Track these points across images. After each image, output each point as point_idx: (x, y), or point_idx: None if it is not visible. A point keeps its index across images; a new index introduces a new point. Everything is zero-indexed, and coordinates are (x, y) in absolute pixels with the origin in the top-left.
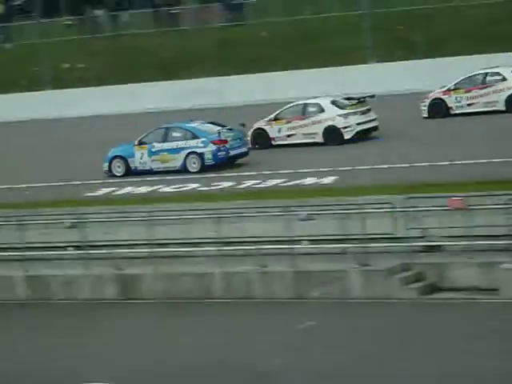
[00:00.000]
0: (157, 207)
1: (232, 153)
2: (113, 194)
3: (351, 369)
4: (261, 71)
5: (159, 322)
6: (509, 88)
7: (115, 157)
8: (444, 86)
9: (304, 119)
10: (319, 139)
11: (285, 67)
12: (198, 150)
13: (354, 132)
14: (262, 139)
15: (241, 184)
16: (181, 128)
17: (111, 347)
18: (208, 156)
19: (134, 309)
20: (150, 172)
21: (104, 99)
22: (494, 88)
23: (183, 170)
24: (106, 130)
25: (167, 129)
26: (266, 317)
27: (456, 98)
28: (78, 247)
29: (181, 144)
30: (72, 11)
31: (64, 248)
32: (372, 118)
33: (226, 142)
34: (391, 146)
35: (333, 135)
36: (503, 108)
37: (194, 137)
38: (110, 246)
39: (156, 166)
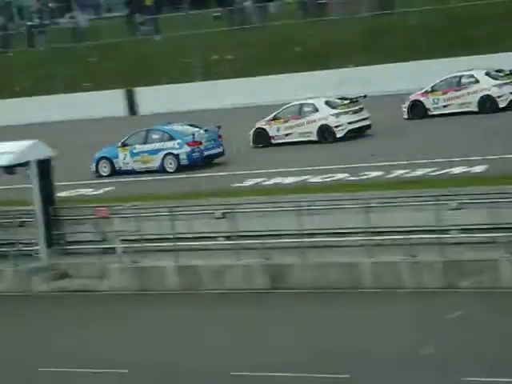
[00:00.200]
0: (305, 197)
1: (206, 153)
2: (261, 184)
3: (503, 356)
4: (409, 60)
5: (308, 312)
6: (481, 90)
7: (101, 158)
8: (423, 88)
9: (300, 119)
10: (314, 137)
11: (433, 55)
12: (174, 151)
13: (345, 130)
14: (262, 138)
15: (389, 173)
16: (159, 130)
17: (261, 336)
18: (183, 157)
19: (283, 299)
20: (133, 172)
21: (252, 90)
22: (467, 90)
23: (161, 170)
24: (253, 120)
25: (147, 131)
26: (416, 307)
27: (433, 100)
28: (228, 237)
29: (159, 145)
30: (220, 2)
31: (214, 238)
32: (364, 116)
33: (200, 143)
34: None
35: (326, 133)
36: (476, 109)
37: (171, 139)
38: (260, 236)
39: (137, 166)
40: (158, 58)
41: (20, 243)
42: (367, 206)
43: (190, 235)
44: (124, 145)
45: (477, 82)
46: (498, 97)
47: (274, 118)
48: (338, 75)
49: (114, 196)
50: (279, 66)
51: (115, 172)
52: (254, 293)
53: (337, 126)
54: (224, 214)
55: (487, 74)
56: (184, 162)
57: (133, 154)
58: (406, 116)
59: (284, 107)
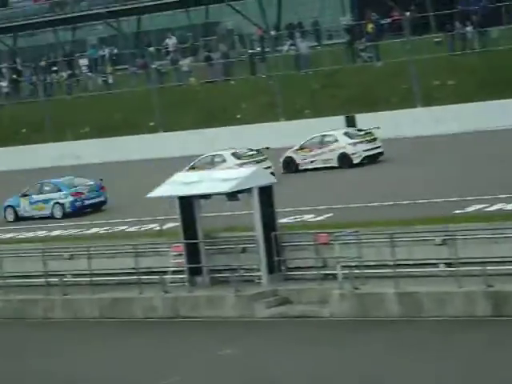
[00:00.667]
0: None
1: (87, 202)
2: (483, 210)
3: None
4: None
5: None
6: (340, 148)
7: (8, 206)
8: (294, 146)
9: (211, 169)
10: None
11: None
12: (61, 201)
13: None
14: None
15: None
16: (50, 183)
17: (478, 367)
18: (67, 205)
19: (505, 327)
20: (33, 218)
21: (475, 116)
22: (329, 148)
23: (51, 216)
24: (480, 145)
25: (41, 184)
26: None
27: (302, 156)
28: (449, 264)
29: (49, 196)
30: (441, 28)
31: (435, 265)
32: (267, 165)
33: (82, 194)
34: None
35: None
36: (336, 164)
37: (59, 190)
38: (482, 262)
39: (35, 213)
40: (377, 84)
41: (241, 269)
42: None
43: (411, 262)
44: (24, 195)
45: (336, 140)
46: (352, 154)
47: (192, 168)
48: None
49: (335, 222)
50: (501, 90)
51: (19, 218)
52: (474, 320)
53: None
54: (445, 240)
55: (345, 133)
56: (68, 209)
57: (31, 203)
58: (282, 170)
59: (198, 159)
